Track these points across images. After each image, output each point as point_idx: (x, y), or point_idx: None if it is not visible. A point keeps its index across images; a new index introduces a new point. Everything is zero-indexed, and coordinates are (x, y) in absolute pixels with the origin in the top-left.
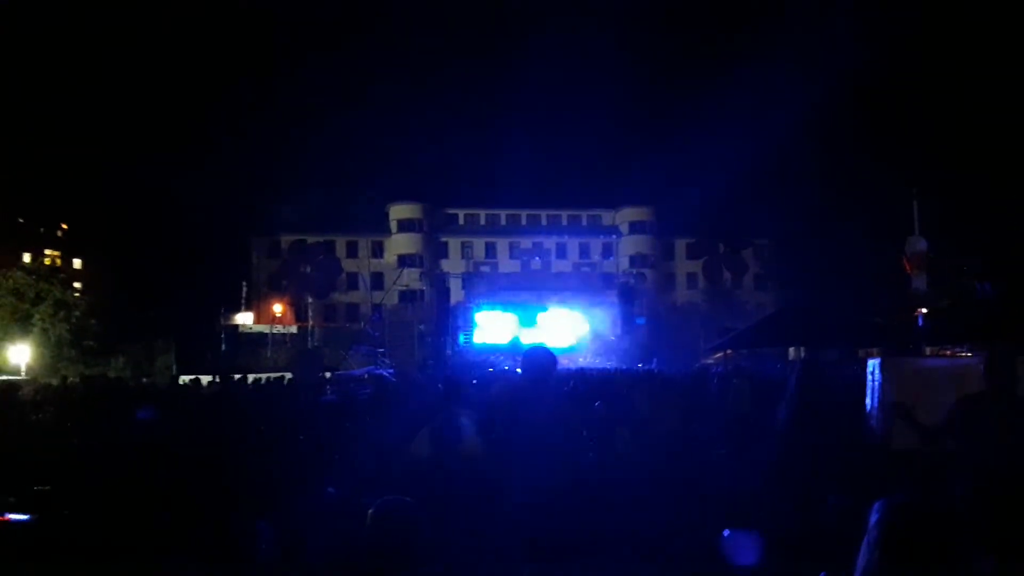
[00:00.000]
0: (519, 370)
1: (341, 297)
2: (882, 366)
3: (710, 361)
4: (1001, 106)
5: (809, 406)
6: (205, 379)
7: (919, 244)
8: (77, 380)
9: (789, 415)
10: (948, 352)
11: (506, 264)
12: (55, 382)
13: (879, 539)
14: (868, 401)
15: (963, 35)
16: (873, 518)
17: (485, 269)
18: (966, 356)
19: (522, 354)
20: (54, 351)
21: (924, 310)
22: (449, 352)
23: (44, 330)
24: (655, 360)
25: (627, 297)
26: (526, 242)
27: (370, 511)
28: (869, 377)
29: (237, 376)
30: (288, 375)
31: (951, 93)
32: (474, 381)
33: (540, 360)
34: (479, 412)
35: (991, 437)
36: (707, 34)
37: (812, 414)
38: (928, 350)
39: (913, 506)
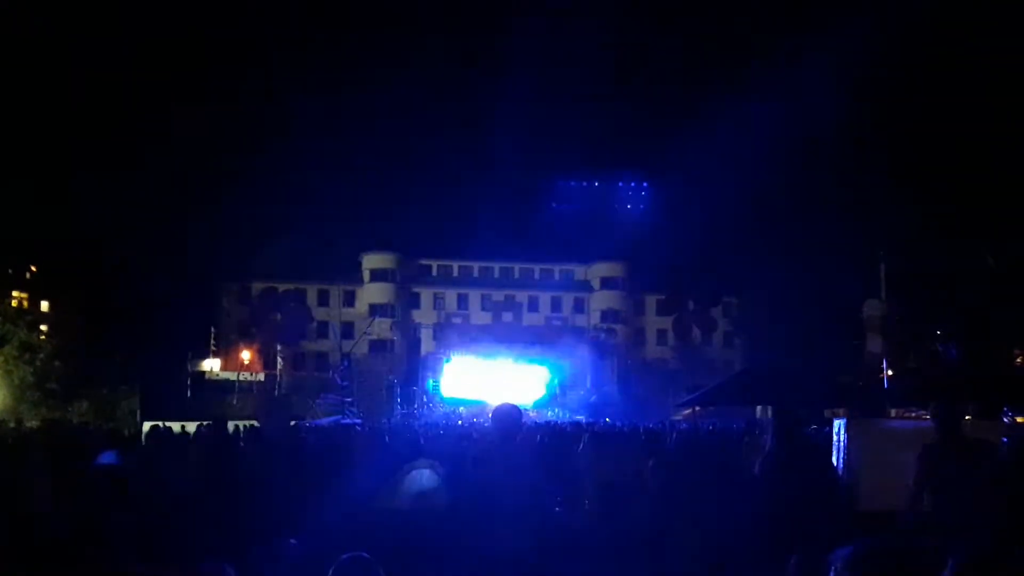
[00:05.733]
0: (488, 426)
1: (310, 345)
2: (848, 427)
3: (678, 417)
4: (967, 170)
5: (784, 461)
6: (175, 425)
7: (877, 308)
8: (36, 424)
9: (765, 470)
10: (912, 414)
11: (478, 316)
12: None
13: None
14: (834, 460)
15: (929, 97)
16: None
17: (457, 321)
18: (930, 418)
19: (492, 412)
20: (17, 394)
21: (890, 372)
22: (417, 404)
23: (8, 372)
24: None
25: (598, 352)
26: (498, 295)
27: (331, 571)
28: (835, 437)
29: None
30: (254, 422)
31: (919, 157)
32: (440, 432)
33: (509, 418)
34: (446, 466)
35: (952, 484)
36: (678, 92)
37: (787, 469)
38: (893, 412)
39: (878, 552)
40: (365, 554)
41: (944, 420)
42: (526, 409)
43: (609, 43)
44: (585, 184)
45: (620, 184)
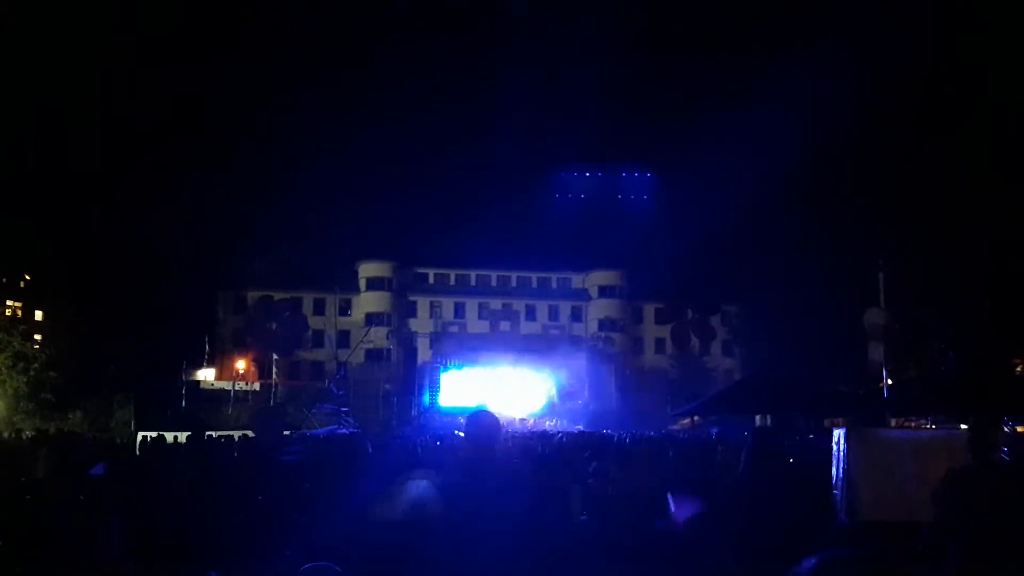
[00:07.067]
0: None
1: (306, 355)
2: (848, 436)
3: (677, 427)
4: (968, 178)
5: (762, 475)
6: (168, 436)
7: (878, 316)
8: (32, 434)
9: (743, 483)
10: (912, 424)
11: (475, 325)
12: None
13: None
14: (834, 470)
15: (929, 106)
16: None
17: (454, 329)
18: (930, 428)
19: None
20: (11, 404)
21: (890, 381)
22: (414, 413)
23: (1, 382)
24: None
25: (596, 361)
26: (495, 303)
27: None
28: (835, 447)
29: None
30: (249, 432)
31: (920, 164)
32: (438, 443)
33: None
34: (442, 475)
35: (981, 509)
36: (676, 101)
37: (766, 482)
38: (893, 421)
39: (849, 560)
40: (335, 565)
41: (980, 444)
42: (524, 419)
43: (607, 43)
44: (588, 174)
45: (624, 174)
